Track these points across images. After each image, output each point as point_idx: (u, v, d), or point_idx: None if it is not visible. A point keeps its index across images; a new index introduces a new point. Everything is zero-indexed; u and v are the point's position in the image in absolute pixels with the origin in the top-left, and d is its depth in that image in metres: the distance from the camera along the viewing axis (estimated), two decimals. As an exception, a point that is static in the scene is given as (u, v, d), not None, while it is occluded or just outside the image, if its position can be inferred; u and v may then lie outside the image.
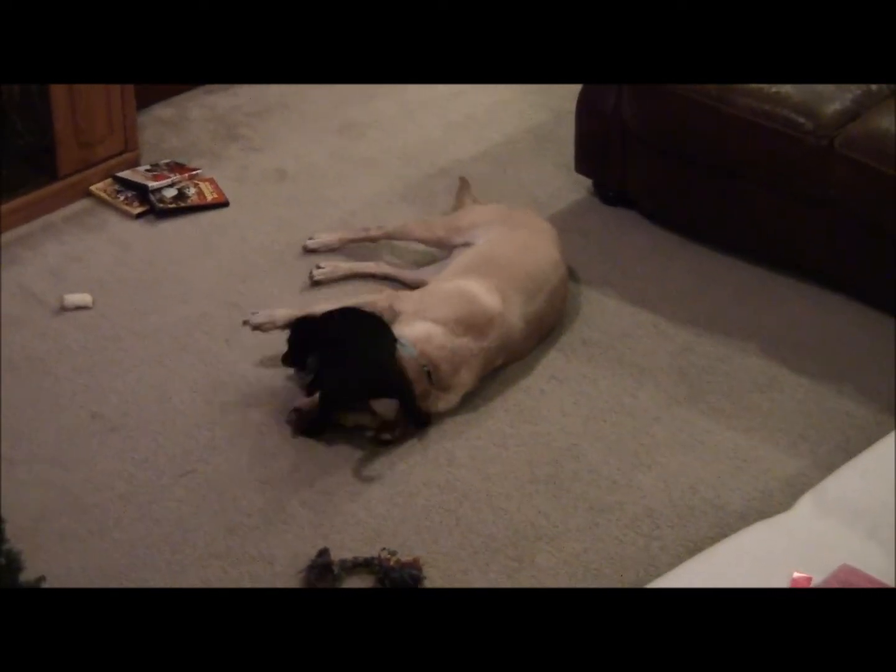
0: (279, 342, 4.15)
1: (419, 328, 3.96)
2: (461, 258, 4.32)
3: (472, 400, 4.05)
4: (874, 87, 4.41)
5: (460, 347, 3.97)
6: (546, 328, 4.27)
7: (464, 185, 4.83)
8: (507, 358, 4.14)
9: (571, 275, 4.50)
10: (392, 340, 3.88)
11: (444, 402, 3.97)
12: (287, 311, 4.18)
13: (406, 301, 4.13)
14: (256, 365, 4.17)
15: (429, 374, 3.89)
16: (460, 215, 4.57)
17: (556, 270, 4.31)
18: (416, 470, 3.82)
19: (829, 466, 3.26)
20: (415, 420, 3.89)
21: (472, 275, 4.16)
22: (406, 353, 3.85)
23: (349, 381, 3.83)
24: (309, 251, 4.65)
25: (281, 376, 4.12)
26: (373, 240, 4.66)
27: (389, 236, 4.65)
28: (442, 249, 4.52)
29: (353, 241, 4.67)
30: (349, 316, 3.98)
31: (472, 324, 4.00)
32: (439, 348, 3.93)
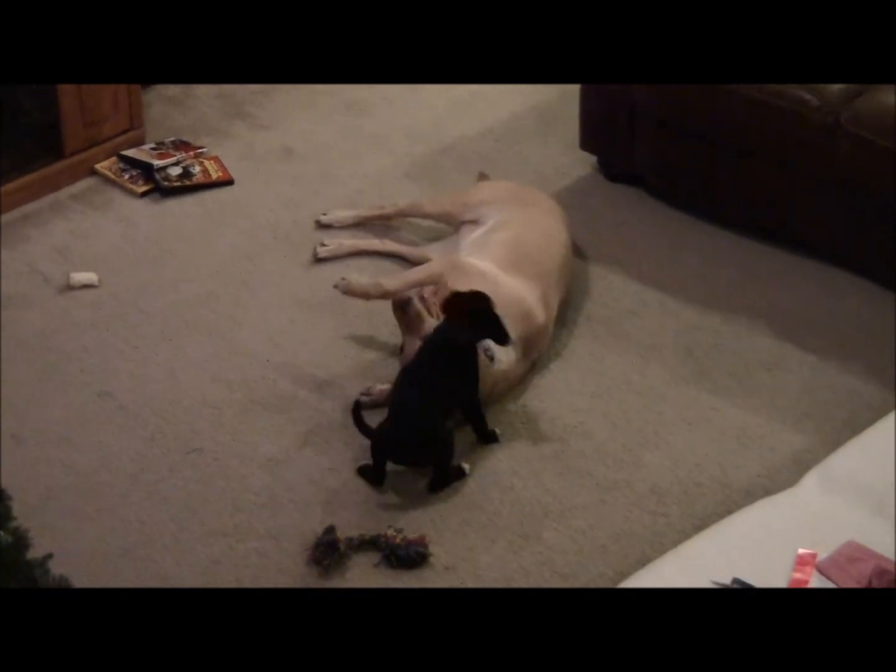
0: (286, 320, 4.16)
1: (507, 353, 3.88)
2: (493, 243, 4.20)
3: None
4: (881, 63, 4.40)
5: (519, 370, 3.99)
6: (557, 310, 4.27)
7: (482, 179, 4.80)
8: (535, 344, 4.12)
9: (577, 252, 4.50)
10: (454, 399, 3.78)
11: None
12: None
13: (461, 278, 3.96)
14: (263, 342, 4.17)
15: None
16: (470, 192, 4.56)
17: (570, 256, 4.34)
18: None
19: (834, 444, 3.26)
20: (434, 487, 3.72)
21: (518, 275, 4.08)
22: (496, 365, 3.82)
23: (398, 440, 3.72)
24: (322, 226, 4.65)
25: (288, 354, 4.12)
26: (387, 218, 4.66)
27: (402, 213, 4.65)
28: (451, 225, 4.51)
29: (367, 218, 4.67)
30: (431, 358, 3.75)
31: (529, 343, 3.99)
32: (514, 377, 3.96)
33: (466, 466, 3.74)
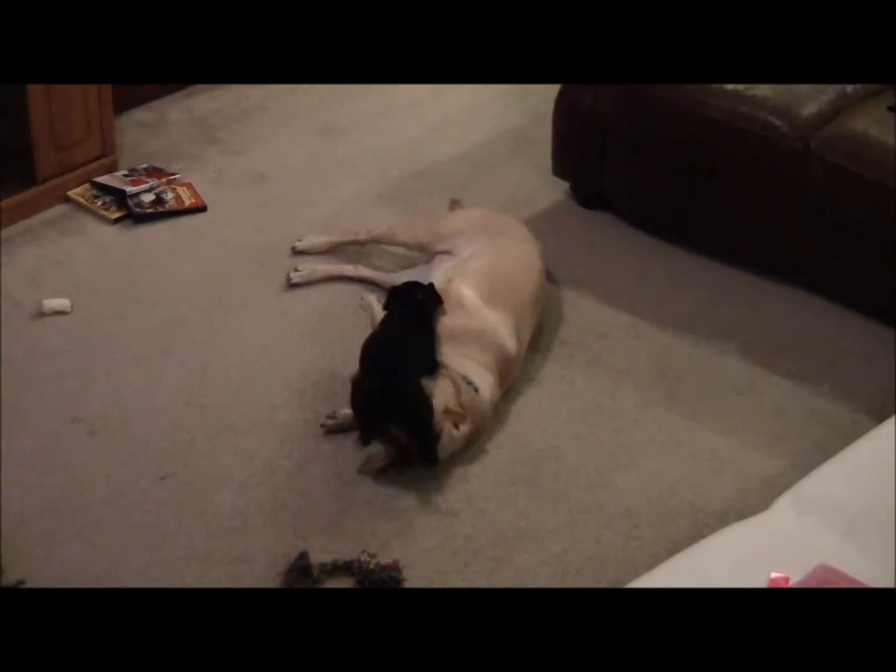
0: (259, 345, 4.17)
1: (482, 376, 3.93)
2: (467, 273, 4.21)
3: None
4: (849, 88, 4.43)
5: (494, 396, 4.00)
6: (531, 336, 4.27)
7: (455, 206, 4.80)
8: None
9: (549, 277, 4.51)
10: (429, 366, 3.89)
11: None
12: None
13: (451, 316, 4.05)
14: (236, 367, 4.17)
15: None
16: (443, 221, 4.56)
17: (543, 284, 4.34)
18: (397, 473, 3.82)
19: (806, 466, 3.26)
20: (427, 455, 3.79)
21: (492, 305, 4.09)
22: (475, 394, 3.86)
23: (377, 403, 3.80)
24: (297, 253, 4.66)
25: (260, 378, 4.12)
26: (360, 243, 4.67)
27: (376, 239, 4.65)
28: (424, 253, 4.52)
29: (341, 243, 4.68)
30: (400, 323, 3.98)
31: (503, 373, 4.01)
32: (490, 401, 3.94)
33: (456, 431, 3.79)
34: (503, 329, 4.05)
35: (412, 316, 3.96)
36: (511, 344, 4.05)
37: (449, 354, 3.93)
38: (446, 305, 4.03)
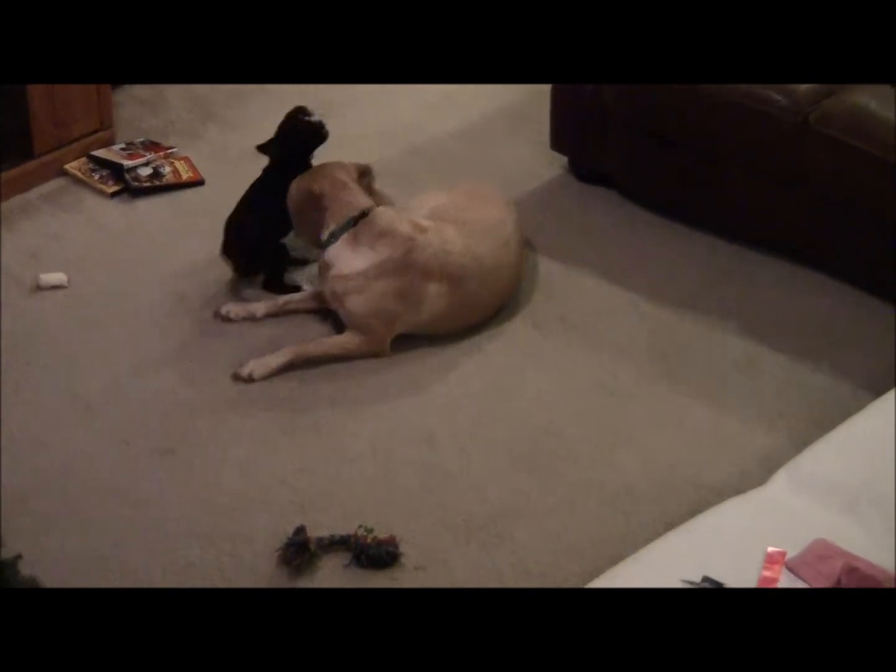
0: (258, 325, 4.17)
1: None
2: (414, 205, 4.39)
3: (450, 377, 4.07)
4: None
5: (400, 221, 4.13)
6: (499, 283, 4.27)
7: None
8: (461, 303, 4.16)
9: (548, 253, 4.52)
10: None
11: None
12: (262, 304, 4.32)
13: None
14: (235, 344, 4.17)
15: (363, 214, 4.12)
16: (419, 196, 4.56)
17: (501, 225, 4.32)
18: (395, 449, 3.82)
19: (805, 443, 3.26)
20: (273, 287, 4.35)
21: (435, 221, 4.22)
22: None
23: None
24: None
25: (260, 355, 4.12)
26: None
27: None
28: None
29: None
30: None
31: (413, 222, 4.15)
32: (385, 209, 4.18)
33: (304, 286, 4.35)
34: (445, 231, 4.14)
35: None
36: (456, 245, 4.13)
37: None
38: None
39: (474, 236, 4.19)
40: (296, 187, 4.22)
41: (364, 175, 4.31)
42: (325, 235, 4.12)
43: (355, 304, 4.06)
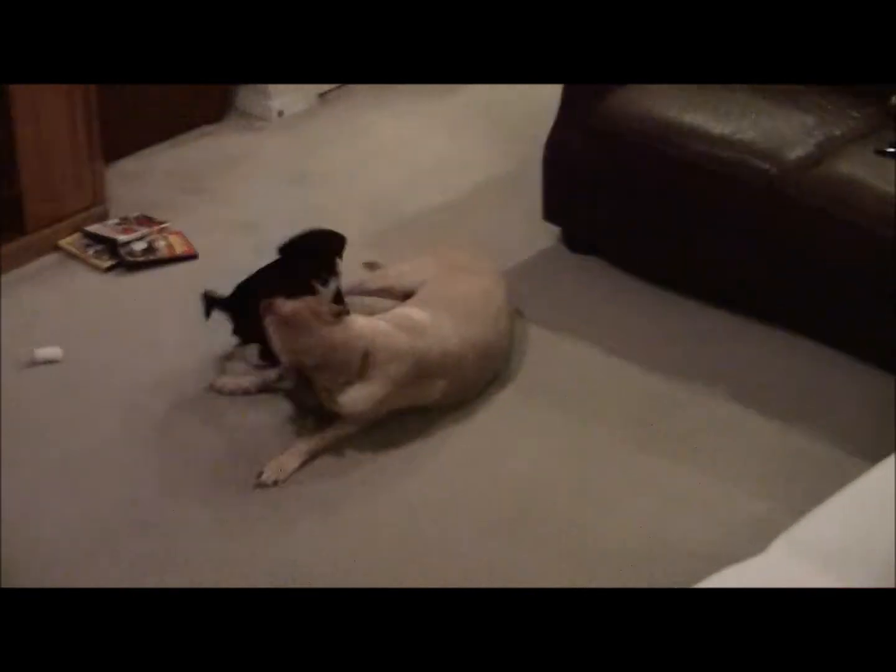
0: (248, 402, 4.19)
1: (364, 320, 4.06)
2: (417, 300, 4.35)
3: (426, 439, 4.09)
4: (837, 132, 4.46)
5: (399, 339, 4.03)
6: (492, 360, 4.30)
7: (373, 268, 4.81)
8: (457, 386, 4.17)
9: (538, 322, 4.54)
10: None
11: (355, 394, 3.98)
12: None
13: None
14: (235, 415, 4.18)
15: (366, 355, 3.95)
16: (408, 262, 4.59)
17: (490, 299, 4.35)
18: (369, 516, 3.83)
19: (795, 509, 3.26)
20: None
21: (433, 311, 4.20)
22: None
23: None
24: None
25: (246, 434, 4.12)
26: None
27: (350, 292, 4.55)
28: (394, 298, 4.51)
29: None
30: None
31: (410, 327, 4.08)
32: (383, 333, 4.02)
33: None
34: (419, 316, 4.14)
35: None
36: (419, 314, 4.14)
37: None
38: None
39: (468, 319, 4.20)
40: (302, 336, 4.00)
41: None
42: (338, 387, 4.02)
43: (357, 408, 4.03)
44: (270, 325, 3.97)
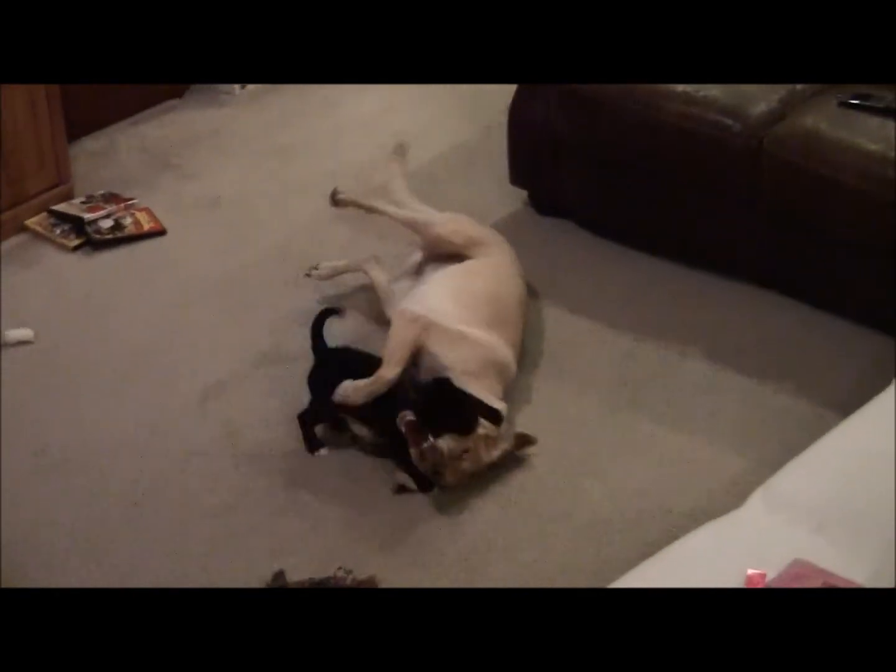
0: (224, 373, 4.19)
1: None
2: (464, 296, 4.18)
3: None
4: (798, 86, 4.45)
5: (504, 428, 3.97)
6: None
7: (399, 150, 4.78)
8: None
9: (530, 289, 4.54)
10: None
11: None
12: None
13: (440, 340, 3.96)
14: (199, 393, 4.17)
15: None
16: (474, 228, 4.49)
17: (526, 298, 4.37)
18: (367, 489, 3.83)
19: (773, 464, 3.27)
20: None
21: (492, 330, 4.08)
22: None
23: None
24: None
25: (224, 406, 4.12)
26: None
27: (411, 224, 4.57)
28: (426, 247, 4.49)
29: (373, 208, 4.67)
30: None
31: (498, 371, 4.02)
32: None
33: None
34: (502, 350, 4.06)
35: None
36: (512, 363, 4.09)
37: (470, 388, 3.90)
38: (447, 343, 3.96)
39: (506, 325, 4.16)
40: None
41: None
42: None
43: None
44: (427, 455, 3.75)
